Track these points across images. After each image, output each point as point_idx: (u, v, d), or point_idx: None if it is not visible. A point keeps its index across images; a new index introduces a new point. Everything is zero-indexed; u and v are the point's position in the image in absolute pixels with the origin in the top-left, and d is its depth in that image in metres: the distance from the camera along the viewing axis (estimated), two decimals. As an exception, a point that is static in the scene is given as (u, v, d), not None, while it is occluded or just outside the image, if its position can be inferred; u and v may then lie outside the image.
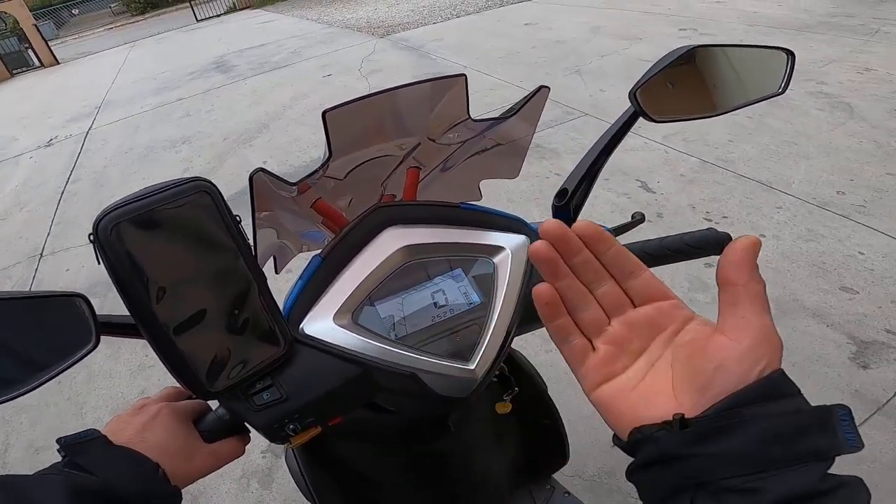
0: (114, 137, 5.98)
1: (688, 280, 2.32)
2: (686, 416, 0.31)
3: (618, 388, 0.35)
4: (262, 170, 0.52)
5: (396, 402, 0.63)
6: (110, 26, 23.50)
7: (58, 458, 0.47)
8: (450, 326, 0.56)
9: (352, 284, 0.55)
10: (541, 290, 0.36)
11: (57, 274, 3.39)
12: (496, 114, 0.66)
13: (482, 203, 0.67)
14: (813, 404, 0.31)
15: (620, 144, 0.68)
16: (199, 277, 0.46)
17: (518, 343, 0.60)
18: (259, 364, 0.50)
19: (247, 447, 0.59)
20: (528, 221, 0.65)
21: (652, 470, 0.32)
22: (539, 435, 0.89)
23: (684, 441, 0.30)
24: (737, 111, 0.72)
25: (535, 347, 2.10)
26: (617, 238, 0.66)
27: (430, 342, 0.55)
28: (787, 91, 0.71)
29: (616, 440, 0.35)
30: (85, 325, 0.46)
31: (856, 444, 0.30)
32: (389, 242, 0.57)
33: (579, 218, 0.70)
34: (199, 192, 0.45)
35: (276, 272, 0.71)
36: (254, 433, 0.55)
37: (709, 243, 0.70)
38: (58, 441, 0.47)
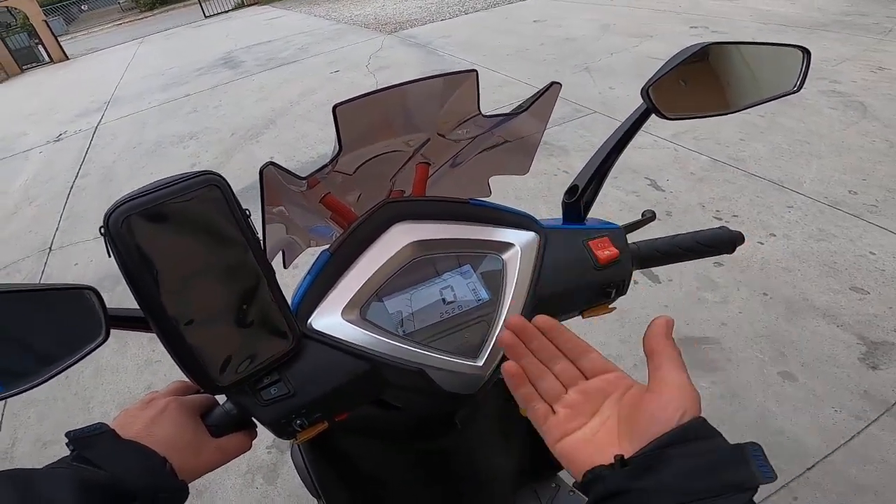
0: (122, 133, 6.02)
1: (696, 279, 2.31)
2: (625, 457, 0.38)
3: (575, 441, 0.42)
4: (273, 163, 0.52)
5: (404, 399, 0.63)
6: (119, 22, 23.61)
7: (66, 451, 0.47)
8: (458, 323, 0.56)
9: (360, 280, 0.55)
10: (507, 366, 0.46)
11: (65, 268, 3.41)
12: (505, 111, 0.65)
13: (491, 199, 0.66)
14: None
15: (629, 143, 0.68)
16: (209, 271, 0.46)
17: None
18: (267, 359, 0.50)
19: (253, 442, 0.59)
20: (538, 219, 0.65)
21: None
22: None
23: (624, 477, 0.37)
24: (749, 110, 0.71)
25: (542, 345, 2.10)
26: (627, 235, 0.66)
27: (438, 338, 0.55)
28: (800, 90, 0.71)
29: (575, 484, 0.41)
30: (95, 318, 0.46)
31: (770, 476, 0.34)
32: (398, 238, 0.57)
33: (589, 214, 0.70)
34: (209, 186, 0.45)
35: (285, 267, 0.70)
36: (260, 428, 0.55)
37: (721, 242, 0.69)
38: (66, 435, 0.46)
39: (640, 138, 0.68)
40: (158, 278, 0.44)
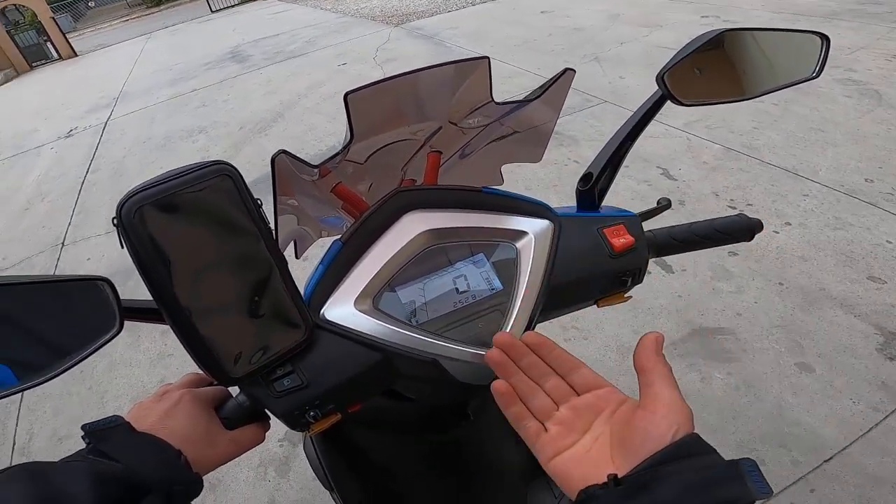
0: (132, 128, 6.05)
1: (710, 269, 2.29)
2: (619, 476, 0.37)
3: (568, 459, 0.42)
4: (285, 152, 0.51)
5: (416, 390, 0.63)
6: (126, 18, 23.70)
7: (81, 445, 0.47)
8: (471, 312, 0.55)
9: (372, 269, 0.54)
10: (497, 384, 0.46)
11: (78, 263, 3.44)
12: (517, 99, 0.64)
13: (504, 188, 0.66)
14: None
15: (644, 131, 0.66)
16: (221, 261, 0.46)
17: (538, 331, 0.59)
18: (280, 350, 0.50)
19: (266, 435, 0.59)
20: (553, 207, 0.64)
21: None
22: None
23: (618, 497, 0.36)
24: (763, 98, 0.70)
25: (554, 335, 2.08)
26: (643, 223, 0.65)
27: (451, 328, 0.54)
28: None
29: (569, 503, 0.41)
30: (109, 309, 0.46)
31: (766, 491, 0.34)
32: (410, 227, 0.56)
33: (603, 202, 0.69)
34: (221, 176, 0.44)
35: (297, 257, 0.70)
36: (272, 420, 0.55)
37: (739, 229, 0.68)
38: (82, 428, 0.47)
39: (651, 127, 0.67)
40: (171, 269, 0.44)
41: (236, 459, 0.55)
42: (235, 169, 0.45)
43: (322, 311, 0.53)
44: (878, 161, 2.77)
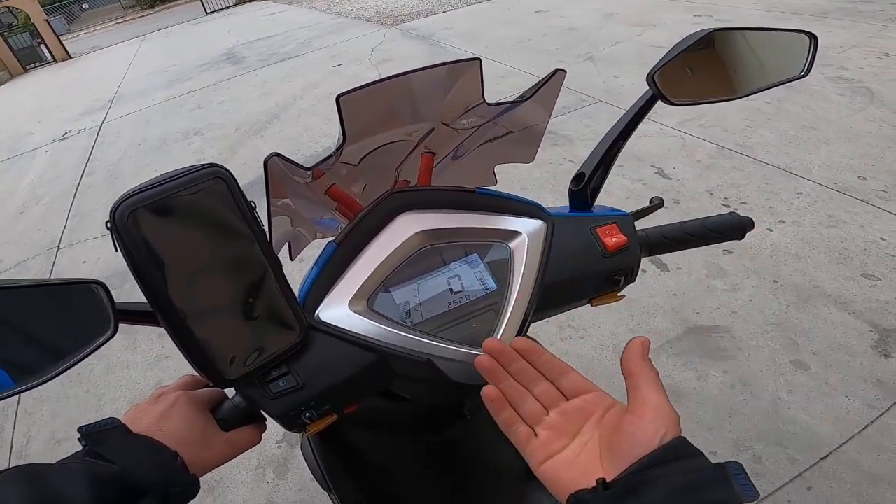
0: (127, 130, 6.03)
1: (705, 267, 2.30)
2: (607, 480, 0.38)
3: (558, 463, 0.42)
4: (277, 154, 0.51)
5: (412, 390, 0.63)
6: (120, 20, 23.62)
7: (78, 448, 0.47)
8: (466, 313, 0.55)
9: (367, 270, 0.55)
10: (487, 390, 0.47)
11: (74, 266, 3.43)
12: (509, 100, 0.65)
13: (497, 188, 0.66)
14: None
15: (635, 130, 0.67)
16: (215, 264, 0.46)
17: (532, 330, 0.59)
18: (275, 351, 0.50)
19: (262, 437, 0.59)
20: (546, 207, 0.64)
21: None
22: None
23: (607, 501, 0.37)
24: (755, 96, 0.70)
25: (551, 336, 2.10)
26: (636, 223, 0.65)
27: (445, 328, 0.55)
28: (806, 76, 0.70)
29: None
30: (103, 312, 0.46)
31: (753, 494, 0.34)
32: (404, 228, 0.57)
33: (596, 202, 0.69)
34: (215, 179, 0.45)
35: (291, 259, 0.70)
36: (270, 421, 0.55)
37: (731, 228, 0.68)
38: (79, 430, 0.47)
39: (645, 126, 0.67)
40: (165, 272, 0.44)
41: (234, 461, 0.55)
42: (229, 172, 0.46)
43: (317, 313, 0.54)
44: (870, 158, 2.79)
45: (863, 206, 2.47)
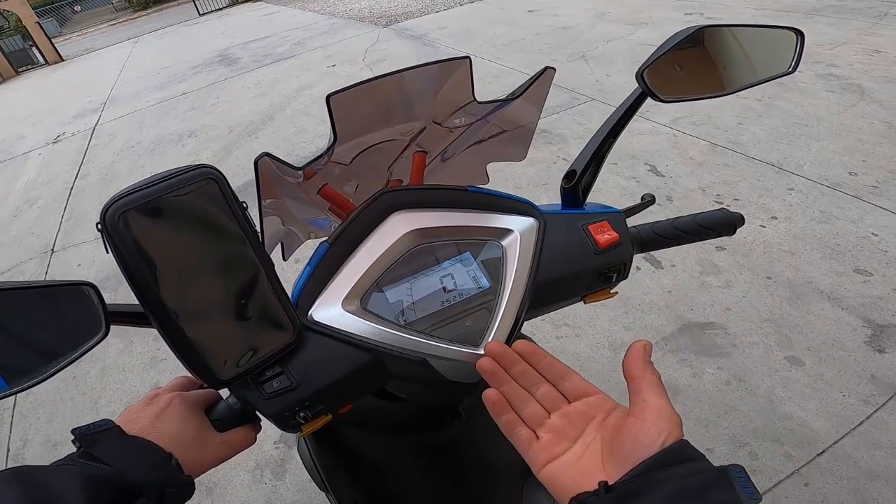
0: (120, 133, 6.01)
1: (700, 264, 2.31)
2: (609, 483, 0.38)
3: (560, 466, 0.42)
4: (268, 154, 0.51)
5: (407, 389, 0.63)
6: (113, 22, 23.50)
7: (74, 450, 0.47)
8: (459, 311, 0.56)
9: (360, 270, 0.55)
10: (489, 393, 0.47)
11: (68, 269, 3.42)
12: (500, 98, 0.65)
13: (489, 186, 0.66)
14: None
15: (628, 128, 0.67)
16: (207, 265, 0.46)
17: (528, 329, 0.60)
18: (269, 351, 0.50)
19: (260, 438, 0.59)
20: (537, 205, 0.64)
21: None
22: None
23: None
24: (746, 93, 0.71)
25: (546, 333, 2.10)
26: (627, 220, 0.66)
27: (439, 327, 0.55)
28: (796, 73, 0.71)
29: None
30: (95, 313, 0.46)
31: (755, 497, 0.34)
32: (397, 227, 0.57)
33: (588, 199, 0.69)
34: (206, 180, 0.45)
35: (284, 259, 0.70)
36: (265, 422, 0.55)
37: (721, 224, 0.69)
38: (72, 432, 0.47)
39: (638, 124, 0.68)
40: (157, 273, 0.44)
41: (231, 462, 0.55)
42: (220, 172, 0.46)
43: (310, 313, 0.54)
44: (861, 154, 2.81)
45: (854, 202, 2.48)
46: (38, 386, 0.44)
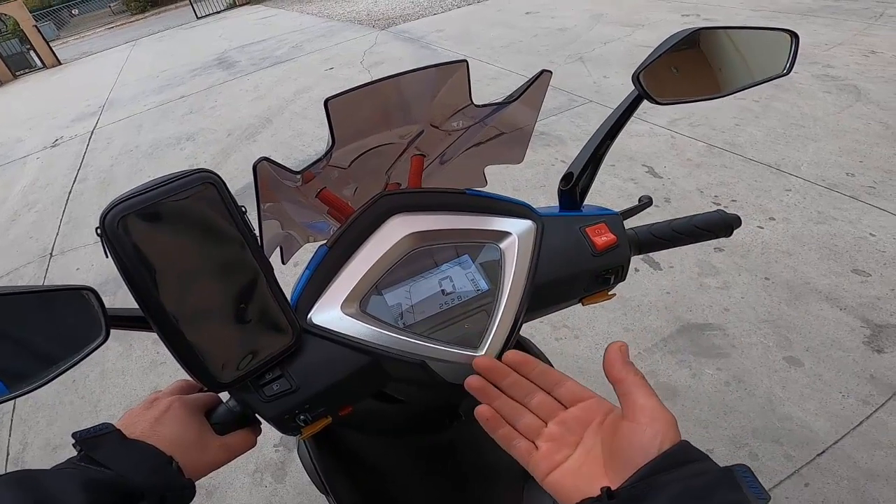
0: (118, 136, 6.00)
1: (698, 265, 2.31)
2: (612, 488, 0.37)
3: (563, 473, 0.42)
4: (266, 159, 0.52)
5: (406, 392, 0.63)
6: (111, 26, 23.51)
7: (74, 453, 0.47)
8: (458, 313, 0.56)
9: (358, 273, 0.55)
10: (481, 410, 0.46)
11: (67, 273, 3.42)
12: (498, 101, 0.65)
13: (487, 189, 0.66)
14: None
15: (625, 130, 0.68)
16: (207, 269, 0.46)
17: (527, 331, 0.60)
18: (268, 355, 0.50)
19: (260, 441, 0.59)
20: (535, 207, 0.65)
21: None
22: None
23: None
24: (743, 95, 0.71)
25: (545, 335, 2.10)
26: (625, 222, 0.66)
27: (438, 330, 0.55)
28: (793, 74, 0.71)
29: None
30: (95, 318, 0.46)
31: (763, 497, 0.33)
32: (395, 230, 0.57)
33: (585, 201, 0.70)
34: (204, 184, 0.45)
35: (283, 262, 0.70)
36: (265, 426, 0.55)
37: (718, 225, 0.69)
38: (73, 436, 0.47)
39: (635, 126, 0.68)
40: (156, 277, 0.44)
41: (232, 465, 0.55)
42: (219, 177, 0.46)
43: (309, 316, 0.54)
44: (858, 155, 2.81)
45: (851, 203, 2.49)
46: (37, 390, 0.44)
